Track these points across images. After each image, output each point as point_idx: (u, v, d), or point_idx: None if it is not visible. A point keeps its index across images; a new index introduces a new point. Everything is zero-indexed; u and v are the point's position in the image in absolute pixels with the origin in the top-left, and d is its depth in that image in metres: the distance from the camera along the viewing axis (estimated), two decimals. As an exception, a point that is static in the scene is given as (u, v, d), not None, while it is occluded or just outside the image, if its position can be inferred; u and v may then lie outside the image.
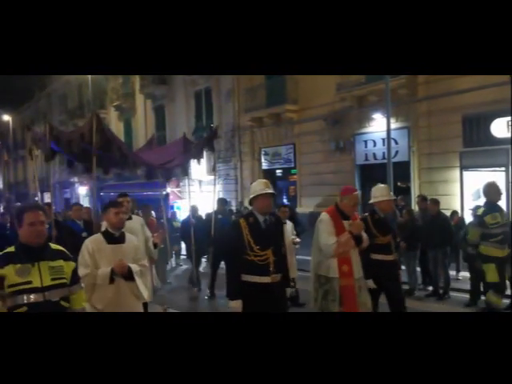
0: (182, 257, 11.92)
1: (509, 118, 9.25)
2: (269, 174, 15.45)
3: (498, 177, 9.62)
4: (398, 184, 11.39)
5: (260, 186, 3.61)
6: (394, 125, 10.67)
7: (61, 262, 2.57)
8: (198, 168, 18.13)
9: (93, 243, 3.67)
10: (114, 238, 3.73)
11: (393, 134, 10.42)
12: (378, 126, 11.63)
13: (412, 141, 11.22)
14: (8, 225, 9.87)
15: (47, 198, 29.09)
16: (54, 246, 2.69)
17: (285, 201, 15.55)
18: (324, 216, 4.17)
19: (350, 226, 4.03)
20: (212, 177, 17.79)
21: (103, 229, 4.07)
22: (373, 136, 12.14)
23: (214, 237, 7.77)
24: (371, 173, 12.37)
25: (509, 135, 9.29)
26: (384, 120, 10.33)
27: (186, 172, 8.81)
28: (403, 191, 11.08)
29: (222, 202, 8.85)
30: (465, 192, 10.28)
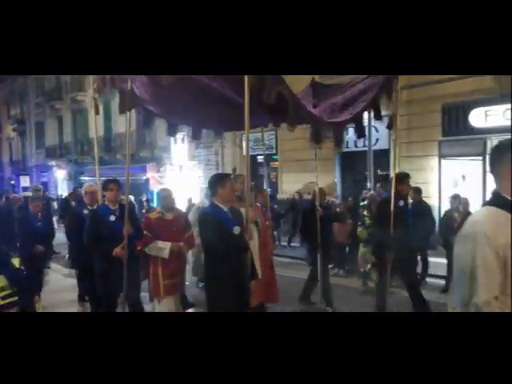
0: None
1: (486, 108, 9.45)
2: (250, 160, 15.42)
3: (474, 166, 9.88)
4: (378, 172, 11.54)
5: None
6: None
7: None
8: (179, 152, 18.08)
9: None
10: None
11: (373, 122, 10.53)
12: (359, 113, 11.70)
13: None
14: (39, 215, 6.96)
15: (24, 181, 28.59)
16: None
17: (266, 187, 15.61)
18: None
19: None
20: (193, 162, 17.77)
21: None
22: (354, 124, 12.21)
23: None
24: (352, 160, 12.49)
25: (486, 125, 9.51)
26: (365, 108, 10.40)
27: (363, 133, 6.14)
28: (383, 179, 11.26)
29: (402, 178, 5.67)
30: (442, 180, 10.51)
